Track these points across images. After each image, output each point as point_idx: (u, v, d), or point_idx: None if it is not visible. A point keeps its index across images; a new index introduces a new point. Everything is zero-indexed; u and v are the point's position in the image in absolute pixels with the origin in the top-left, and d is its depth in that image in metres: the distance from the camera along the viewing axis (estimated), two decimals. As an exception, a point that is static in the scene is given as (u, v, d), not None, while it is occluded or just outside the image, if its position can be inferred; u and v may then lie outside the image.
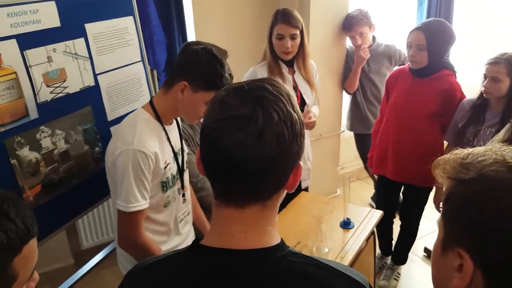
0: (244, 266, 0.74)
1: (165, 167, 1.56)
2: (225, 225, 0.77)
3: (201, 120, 1.96)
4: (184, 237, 1.78)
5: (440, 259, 0.69)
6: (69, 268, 2.78)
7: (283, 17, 2.29)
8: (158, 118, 1.55)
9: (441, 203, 2.61)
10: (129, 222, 1.52)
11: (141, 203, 1.50)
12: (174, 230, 1.71)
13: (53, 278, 2.56)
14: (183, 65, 1.51)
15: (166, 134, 1.58)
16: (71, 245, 2.88)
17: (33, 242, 0.76)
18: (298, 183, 0.80)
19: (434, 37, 2.26)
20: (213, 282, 0.74)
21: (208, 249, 0.76)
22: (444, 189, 0.71)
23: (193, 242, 0.80)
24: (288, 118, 0.73)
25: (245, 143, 0.69)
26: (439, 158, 0.73)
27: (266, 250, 0.75)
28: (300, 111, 0.77)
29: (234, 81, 1.99)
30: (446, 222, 0.68)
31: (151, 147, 1.48)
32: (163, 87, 1.57)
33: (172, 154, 1.60)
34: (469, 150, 0.70)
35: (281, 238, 0.79)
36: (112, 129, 1.91)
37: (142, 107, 1.58)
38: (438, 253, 0.70)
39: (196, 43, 1.56)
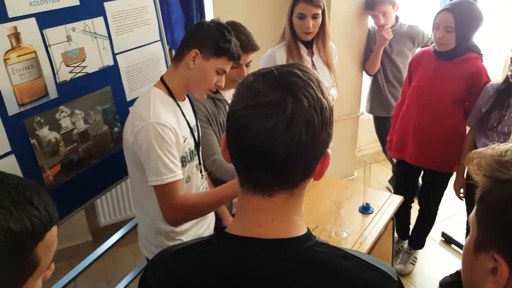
0: (271, 256, 0.72)
1: (184, 141, 1.55)
2: (252, 214, 0.75)
3: (220, 95, 1.93)
4: (209, 219, 1.80)
5: (472, 259, 0.67)
6: (87, 245, 2.84)
7: (305, -4, 2.23)
8: (171, 94, 1.55)
9: (461, 190, 2.55)
10: (167, 195, 1.46)
11: (176, 173, 1.46)
12: None
13: (72, 255, 2.62)
14: (193, 36, 1.54)
15: (181, 109, 1.58)
16: (89, 222, 2.92)
17: (55, 229, 0.76)
18: (325, 172, 0.78)
19: (463, 19, 2.17)
20: (239, 271, 0.73)
21: (234, 238, 0.75)
22: (479, 186, 0.68)
23: (218, 230, 0.78)
24: (318, 105, 0.70)
25: (274, 130, 0.67)
26: (473, 151, 0.69)
27: (293, 240, 0.74)
28: (329, 97, 0.74)
29: (253, 60, 1.96)
30: (480, 223, 0.66)
31: (169, 120, 1.47)
32: (172, 62, 1.58)
33: (188, 129, 1.60)
34: (507, 145, 0.66)
35: (308, 228, 0.78)
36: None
37: (154, 85, 1.57)
38: (470, 252, 0.67)
39: None
